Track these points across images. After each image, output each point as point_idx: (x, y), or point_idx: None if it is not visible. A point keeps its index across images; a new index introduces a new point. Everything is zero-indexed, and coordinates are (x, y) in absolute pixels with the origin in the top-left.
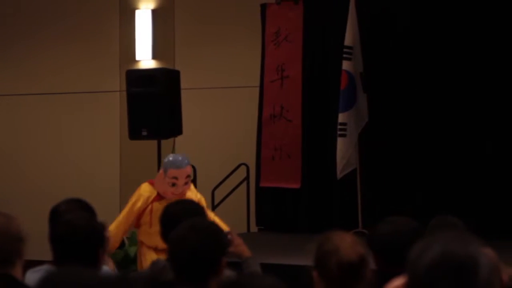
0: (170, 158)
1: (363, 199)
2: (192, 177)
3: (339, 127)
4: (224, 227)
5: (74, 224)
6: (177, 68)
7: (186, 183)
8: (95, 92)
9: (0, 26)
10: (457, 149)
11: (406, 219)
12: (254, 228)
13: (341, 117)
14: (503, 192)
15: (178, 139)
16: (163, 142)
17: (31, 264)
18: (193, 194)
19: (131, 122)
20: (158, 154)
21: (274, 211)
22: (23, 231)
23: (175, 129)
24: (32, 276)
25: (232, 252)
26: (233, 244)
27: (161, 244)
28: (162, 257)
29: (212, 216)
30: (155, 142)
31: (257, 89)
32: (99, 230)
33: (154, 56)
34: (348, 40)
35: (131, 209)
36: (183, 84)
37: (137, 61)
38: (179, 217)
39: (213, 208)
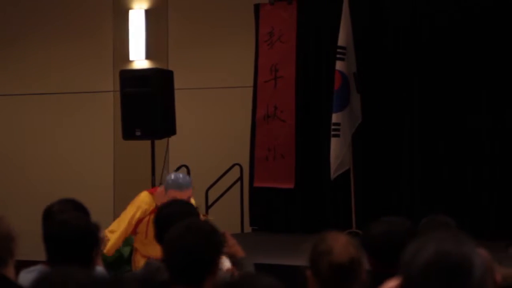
0: (172, 178)
1: (357, 200)
2: (191, 198)
3: (332, 127)
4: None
5: (69, 224)
6: (170, 68)
7: None
8: (89, 92)
9: None
10: (450, 149)
11: (400, 219)
12: (248, 228)
13: (335, 117)
14: (497, 192)
15: (172, 139)
16: (157, 142)
17: (24, 264)
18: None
19: (124, 122)
20: (152, 154)
21: (267, 211)
22: (13, 230)
23: (169, 129)
24: (26, 276)
25: (226, 252)
26: (227, 244)
27: (154, 254)
28: None
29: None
30: (148, 142)
31: (251, 89)
32: (93, 231)
33: (148, 56)
34: (341, 41)
35: (130, 222)
36: (177, 84)
37: (131, 61)
38: (173, 218)
39: (207, 208)
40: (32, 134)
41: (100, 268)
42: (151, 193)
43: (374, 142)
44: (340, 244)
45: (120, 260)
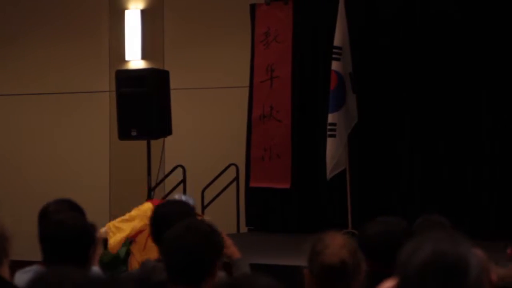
0: (176, 198)
1: (353, 200)
2: None
3: (328, 127)
4: None
5: (65, 224)
6: (166, 68)
7: None
8: (85, 93)
9: None
10: (450, 149)
11: (396, 219)
12: (244, 229)
13: (331, 118)
14: (497, 192)
15: (168, 139)
16: (153, 142)
17: (20, 264)
18: None
19: (120, 122)
20: (147, 154)
21: (263, 212)
22: (7, 230)
23: (165, 129)
24: (22, 277)
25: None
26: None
27: None
28: None
29: None
30: (144, 142)
31: (247, 89)
32: (90, 231)
33: (144, 57)
34: (337, 41)
35: (133, 228)
36: (173, 84)
37: (127, 62)
38: (170, 218)
39: (203, 208)
40: (28, 134)
41: (96, 268)
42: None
43: (370, 142)
44: (334, 246)
45: (116, 261)
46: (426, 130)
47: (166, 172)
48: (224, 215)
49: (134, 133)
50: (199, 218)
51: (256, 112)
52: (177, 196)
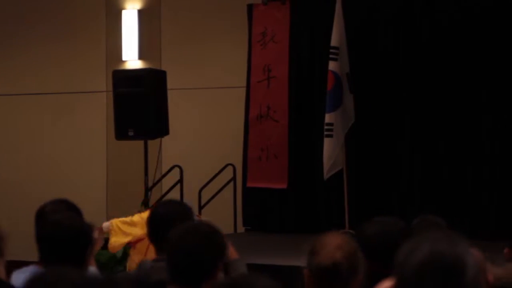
0: None
1: (350, 200)
2: None
3: (325, 127)
4: None
5: (62, 224)
6: (163, 68)
7: None
8: (82, 93)
9: None
10: (447, 149)
11: (393, 219)
12: (241, 229)
13: (328, 118)
14: (497, 192)
15: (165, 139)
16: (150, 142)
17: (17, 264)
18: None
19: (117, 122)
20: (144, 154)
21: (260, 212)
22: (2, 230)
23: (162, 129)
24: (19, 277)
25: None
26: None
27: None
28: None
29: None
30: (141, 142)
31: (244, 90)
32: (87, 231)
33: (141, 57)
34: (334, 41)
35: (135, 236)
36: (170, 84)
37: (124, 62)
38: (167, 218)
39: (200, 208)
40: (24, 134)
41: (93, 268)
42: None
43: (367, 142)
44: (330, 247)
45: (113, 261)
46: (425, 130)
47: (163, 172)
48: (221, 215)
49: (131, 133)
50: (198, 218)
51: (253, 112)
52: None
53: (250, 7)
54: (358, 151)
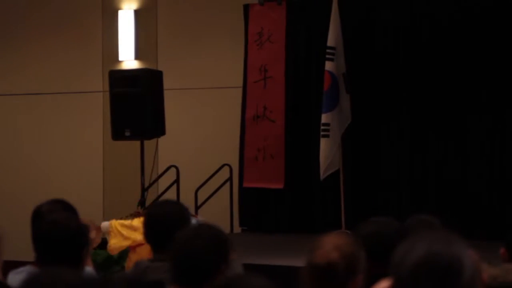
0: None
1: (346, 200)
2: None
3: (322, 127)
4: None
5: (58, 224)
6: (160, 68)
7: None
8: (78, 93)
9: None
10: (440, 150)
11: (389, 219)
12: (237, 229)
13: (324, 118)
14: (497, 192)
15: (161, 139)
16: (146, 142)
17: (13, 265)
18: None
19: (114, 123)
20: (141, 154)
21: (257, 212)
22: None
23: (158, 129)
24: (15, 277)
25: None
26: None
27: None
28: None
29: None
30: (138, 142)
31: (240, 90)
32: (83, 231)
33: (137, 57)
34: (331, 41)
35: (134, 240)
36: (166, 84)
37: (120, 62)
38: (164, 219)
39: (196, 208)
40: (21, 133)
41: (89, 269)
42: None
43: (363, 143)
44: (327, 247)
45: (110, 261)
46: (422, 130)
47: (160, 172)
48: (218, 215)
49: (127, 133)
50: (194, 218)
51: (249, 112)
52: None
53: (246, 7)
54: (355, 151)
